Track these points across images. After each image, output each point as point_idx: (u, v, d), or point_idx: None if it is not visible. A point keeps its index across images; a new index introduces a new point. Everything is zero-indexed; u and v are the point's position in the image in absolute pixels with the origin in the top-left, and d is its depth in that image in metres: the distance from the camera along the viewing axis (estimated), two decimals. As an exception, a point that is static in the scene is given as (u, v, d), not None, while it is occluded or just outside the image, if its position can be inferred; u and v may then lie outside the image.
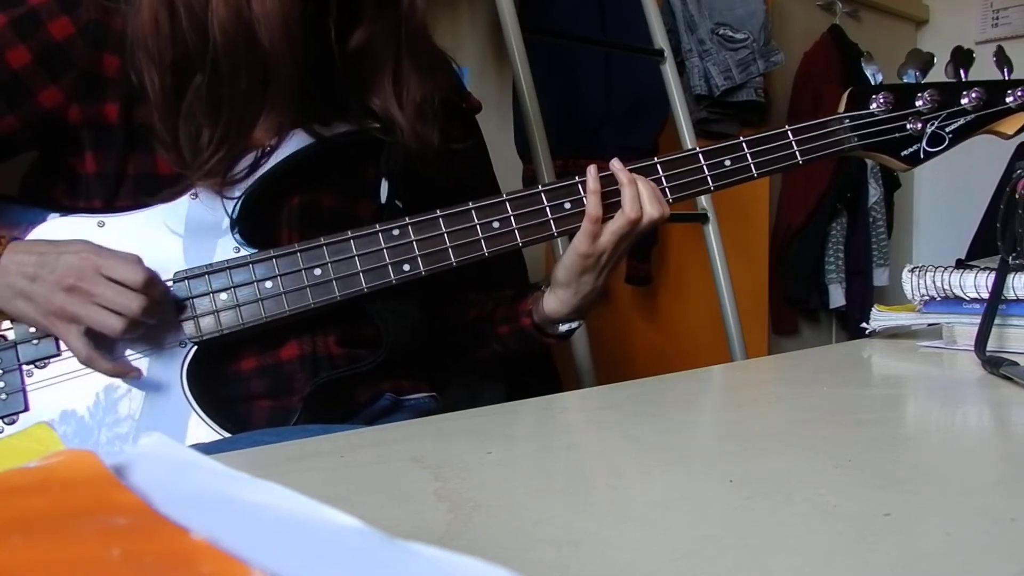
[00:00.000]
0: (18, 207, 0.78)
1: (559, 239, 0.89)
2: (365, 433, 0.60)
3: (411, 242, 0.80)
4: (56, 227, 0.76)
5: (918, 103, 0.91)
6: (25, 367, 0.75)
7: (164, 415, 0.75)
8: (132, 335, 0.73)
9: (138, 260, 0.72)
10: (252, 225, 0.78)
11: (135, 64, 0.74)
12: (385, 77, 0.81)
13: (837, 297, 2.78)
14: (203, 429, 0.74)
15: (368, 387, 0.83)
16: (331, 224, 0.81)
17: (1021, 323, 0.83)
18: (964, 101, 0.91)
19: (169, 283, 0.76)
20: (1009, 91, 0.92)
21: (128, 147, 0.77)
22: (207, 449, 0.60)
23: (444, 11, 1.83)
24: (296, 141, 0.79)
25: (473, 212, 0.82)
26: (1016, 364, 0.70)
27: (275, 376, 0.79)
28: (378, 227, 0.80)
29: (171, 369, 0.76)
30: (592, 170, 0.84)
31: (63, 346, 0.74)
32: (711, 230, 1.82)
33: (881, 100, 0.91)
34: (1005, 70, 0.93)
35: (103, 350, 0.73)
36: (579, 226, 0.84)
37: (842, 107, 0.92)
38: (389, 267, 0.80)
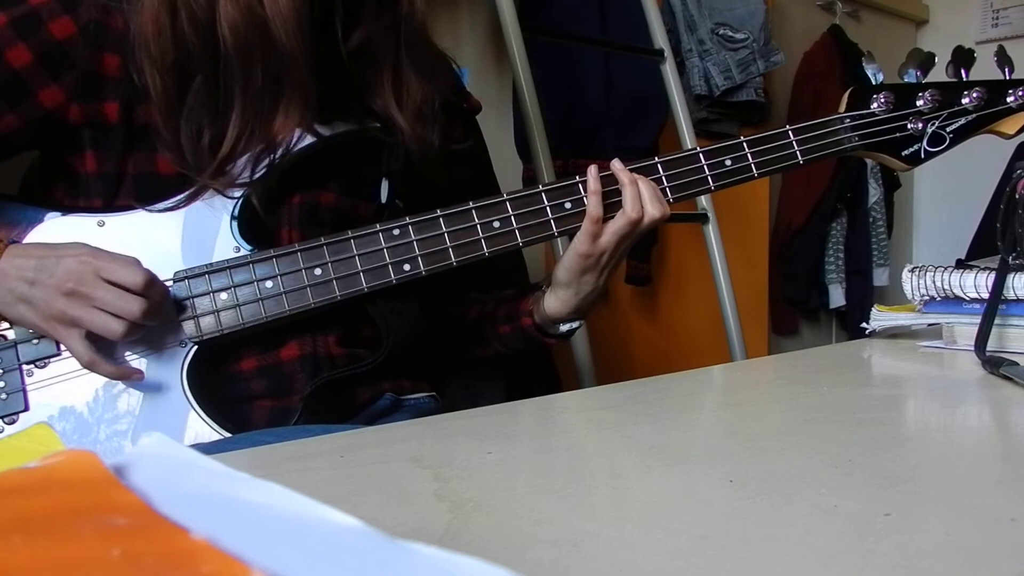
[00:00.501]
0: (18, 207, 0.78)
1: (559, 239, 0.89)
2: (365, 433, 0.60)
3: (411, 242, 0.80)
4: (56, 227, 0.76)
5: (919, 103, 0.91)
6: (25, 367, 0.75)
7: (164, 415, 0.75)
8: (133, 338, 0.73)
9: (137, 262, 0.72)
10: (252, 224, 0.78)
11: (136, 64, 0.74)
12: (385, 78, 0.81)
13: (837, 297, 2.78)
14: (203, 429, 0.74)
15: (368, 387, 0.83)
16: (331, 223, 0.81)
17: (1021, 323, 0.83)
18: (965, 101, 0.91)
19: (169, 283, 0.76)
20: (1010, 91, 0.92)
21: (128, 146, 0.77)
22: (207, 449, 0.61)
23: (444, 11, 1.83)
24: (297, 140, 0.79)
25: (473, 212, 0.82)
26: (1016, 364, 0.70)
27: (275, 376, 0.79)
28: (378, 227, 0.80)
29: (171, 369, 0.76)
30: (593, 170, 0.84)
31: (63, 346, 0.74)
32: (711, 230, 1.83)
33: (882, 100, 0.91)
34: (1006, 70, 0.93)
35: (104, 353, 0.73)
36: (579, 226, 0.84)
37: (843, 107, 0.92)
38: (389, 267, 0.80)
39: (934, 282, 0.89)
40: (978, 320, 0.80)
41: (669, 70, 1.85)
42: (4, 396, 0.74)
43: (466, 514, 0.37)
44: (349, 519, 0.20)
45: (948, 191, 3.24)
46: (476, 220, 0.82)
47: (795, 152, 0.90)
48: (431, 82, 0.83)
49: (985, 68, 0.94)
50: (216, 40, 0.72)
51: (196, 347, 0.76)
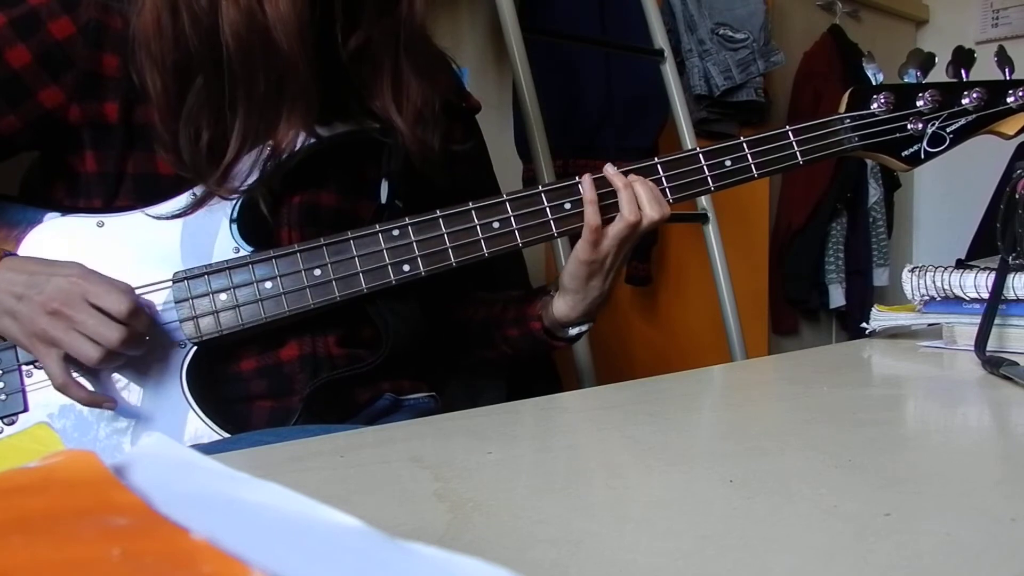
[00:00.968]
0: (18, 207, 0.78)
1: (559, 239, 0.89)
2: (365, 433, 0.60)
3: (411, 243, 0.80)
4: (56, 227, 0.76)
5: (919, 103, 0.91)
6: (24, 367, 0.75)
7: (163, 415, 0.75)
8: (109, 365, 0.73)
9: (128, 290, 0.72)
10: (252, 225, 0.78)
11: (136, 65, 0.73)
12: (384, 81, 0.81)
13: (837, 297, 2.78)
14: (202, 429, 0.74)
15: (368, 387, 0.83)
16: (331, 224, 0.81)
17: (1021, 323, 0.83)
18: (965, 101, 0.91)
19: (168, 283, 0.76)
20: (1010, 91, 0.92)
21: (128, 147, 0.77)
22: (207, 449, 0.60)
23: (444, 11, 1.83)
24: (296, 141, 0.78)
25: (473, 212, 0.82)
26: (1016, 364, 0.70)
27: (275, 376, 0.79)
28: (378, 227, 0.80)
29: (171, 369, 0.76)
30: (587, 179, 0.84)
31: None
32: (711, 230, 1.83)
33: (882, 100, 0.91)
34: (1006, 70, 0.93)
35: (87, 373, 0.73)
36: (579, 226, 0.84)
37: (843, 107, 0.92)
38: (389, 267, 0.80)
39: (934, 282, 0.89)
40: (978, 320, 0.80)
41: (669, 70, 1.85)
42: (4, 397, 0.74)
43: (466, 514, 0.37)
44: (349, 519, 0.20)
45: (948, 191, 3.24)
46: (476, 221, 0.82)
47: (795, 152, 0.90)
48: (431, 84, 0.83)
49: (985, 68, 0.94)
50: (218, 43, 0.72)
51: (195, 348, 0.76)
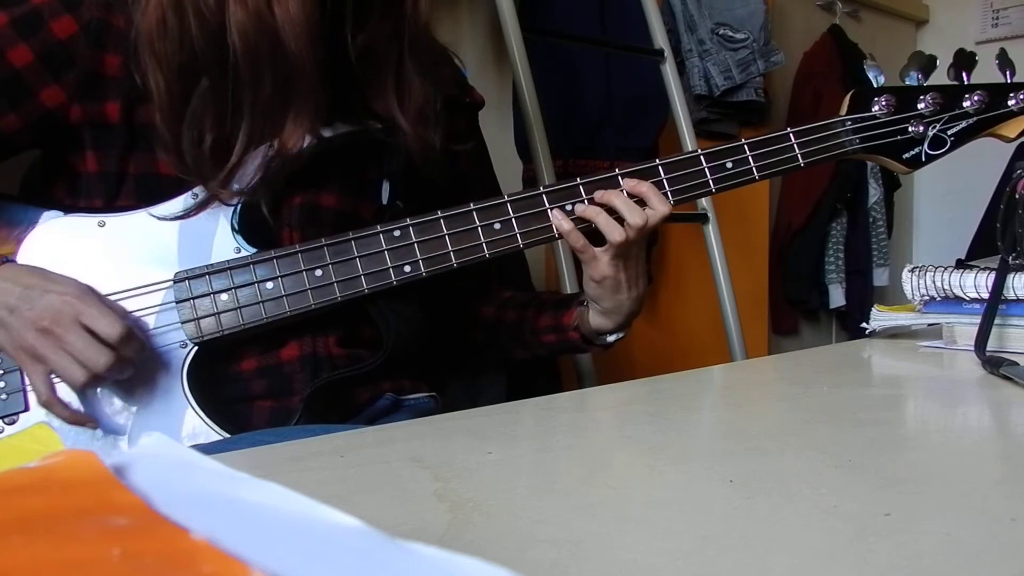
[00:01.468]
0: (19, 206, 0.78)
1: (560, 241, 0.89)
2: (365, 433, 0.60)
3: (412, 243, 0.80)
4: (56, 226, 0.76)
5: (920, 106, 0.91)
6: (25, 367, 0.75)
7: (164, 415, 0.75)
8: (94, 388, 0.73)
9: (122, 314, 0.72)
10: (253, 225, 0.78)
11: (140, 65, 0.73)
12: (388, 80, 0.81)
13: (837, 297, 2.78)
14: (203, 429, 0.74)
15: (368, 387, 0.83)
16: (332, 224, 0.81)
17: (1021, 323, 0.83)
18: (966, 104, 0.91)
19: (169, 283, 0.76)
20: (1011, 94, 0.92)
21: (129, 147, 0.77)
22: (207, 449, 0.60)
23: (444, 11, 1.83)
24: (301, 142, 0.78)
25: (474, 213, 0.82)
26: (1016, 364, 0.70)
27: (275, 376, 0.79)
28: (379, 228, 0.80)
29: (171, 370, 0.76)
30: (556, 213, 0.83)
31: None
32: (711, 230, 1.82)
33: (883, 102, 0.91)
34: (1007, 73, 0.92)
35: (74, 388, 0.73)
36: (581, 227, 0.84)
37: (844, 109, 0.92)
38: (390, 268, 0.80)
39: (934, 282, 0.89)
40: (978, 320, 0.80)
41: (669, 70, 1.85)
42: (4, 396, 0.74)
43: (466, 514, 0.37)
44: (349, 519, 0.20)
45: (948, 191, 3.24)
46: (477, 222, 0.82)
47: (796, 155, 0.90)
48: (433, 84, 0.83)
49: (985, 68, 0.94)
50: (224, 44, 0.71)
51: (196, 348, 0.76)
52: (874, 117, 0.91)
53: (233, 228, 0.77)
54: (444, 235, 0.81)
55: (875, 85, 0.92)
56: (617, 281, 0.85)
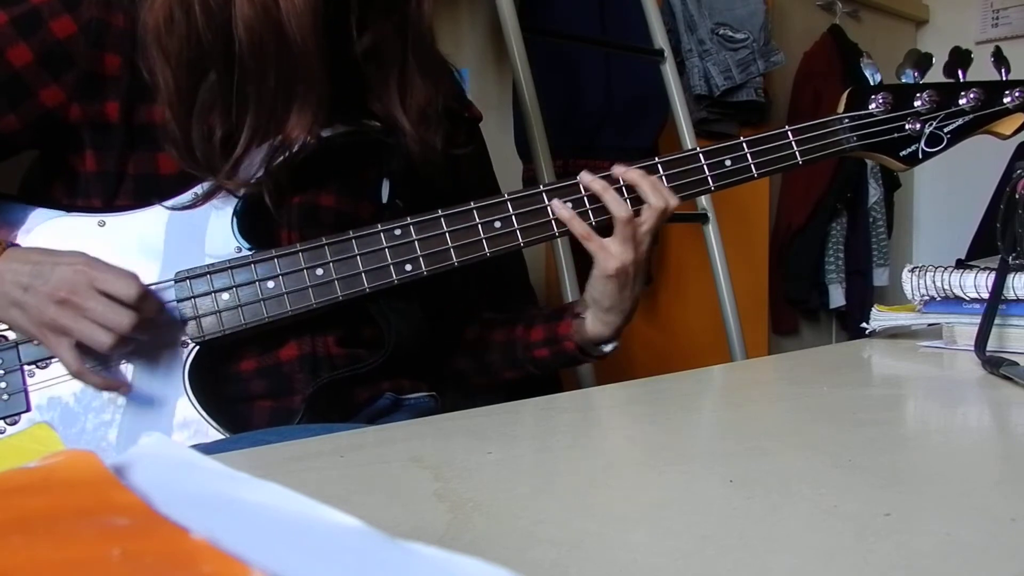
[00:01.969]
0: (19, 206, 0.78)
1: (560, 239, 0.89)
2: (365, 433, 0.60)
3: (413, 242, 0.80)
4: (57, 226, 0.76)
5: (917, 103, 0.91)
6: (27, 367, 0.75)
7: (165, 414, 0.75)
8: (122, 350, 0.73)
9: (133, 276, 0.72)
10: (253, 224, 0.78)
11: (147, 61, 0.73)
12: (391, 80, 0.81)
13: (837, 297, 2.78)
14: (203, 428, 0.74)
15: (368, 387, 0.83)
16: (332, 224, 0.81)
17: (1021, 323, 0.83)
18: (962, 102, 0.91)
19: (171, 283, 0.76)
20: (1007, 92, 0.92)
21: (129, 146, 0.77)
22: (207, 449, 0.61)
23: (444, 11, 1.83)
24: (305, 138, 0.78)
25: (475, 212, 0.82)
26: (1016, 364, 0.70)
27: (275, 376, 0.79)
28: (380, 227, 0.80)
29: (173, 369, 0.76)
30: (556, 203, 0.83)
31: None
32: (711, 230, 1.83)
33: (880, 100, 0.91)
34: (1003, 71, 0.93)
35: (97, 361, 0.73)
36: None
37: (841, 107, 0.93)
38: (391, 267, 0.80)
39: (934, 282, 0.89)
40: (978, 320, 0.80)
41: (669, 70, 1.85)
42: (6, 397, 0.74)
43: (466, 514, 0.37)
44: (349, 519, 0.20)
45: (948, 191, 3.24)
46: (477, 220, 0.82)
47: (794, 152, 0.90)
48: (435, 85, 0.83)
49: (985, 68, 0.94)
50: (230, 37, 0.72)
51: (197, 347, 0.76)
52: (871, 115, 0.91)
53: (234, 227, 0.77)
54: (445, 233, 0.81)
55: (872, 83, 0.93)
56: (627, 274, 0.85)
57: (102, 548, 0.19)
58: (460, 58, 1.00)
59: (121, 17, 0.75)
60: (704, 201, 1.80)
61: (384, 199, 0.86)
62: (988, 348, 0.77)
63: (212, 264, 0.77)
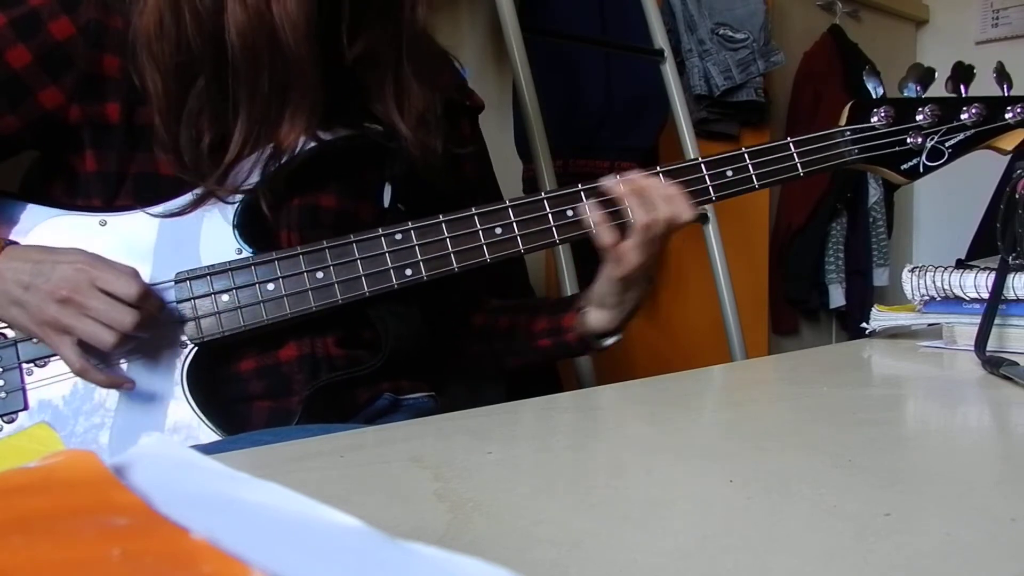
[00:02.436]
0: (19, 205, 0.78)
1: (561, 246, 0.89)
2: (365, 433, 0.60)
3: (413, 246, 0.80)
4: (57, 225, 0.76)
5: (918, 117, 0.91)
6: (25, 365, 0.75)
7: (163, 415, 0.75)
8: (124, 348, 0.73)
9: (134, 273, 0.72)
10: (253, 227, 0.78)
11: (137, 65, 0.73)
12: (387, 85, 0.81)
13: (837, 297, 2.78)
14: (202, 429, 0.74)
15: (367, 387, 0.83)
16: (332, 227, 0.81)
17: (1021, 323, 0.83)
18: (964, 116, 0.91)
19: (171, 284, 0.76)
20: (1008, 107, 0.92)
21: (129, 147, 0.77)
22: (207, 449, 0.60)
23: (444, 11, 1.83)
24: (298, 143, 0.78)
25: (476, 218, 0.82)
26: (1016, 364, 0.70)
27: (274, 377, 0.79)
28: (380, 231, 0.80)
29: (171, 370, 0.76)
30: (591, 204, 0.82)
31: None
32: (711, 230, 1.83)
33: (882, 114, 0.91)
34: (1005, 86, 0.93)
35: (98, 359, 0.73)
36: (582, 233, 0.83)
37: (843, 120, 0.93)
38: (391, 271, 0.80)
39: (934, 282, 0.89)
40: (978, 320, 0.80)
41: (669, 70, 1.85)
42: (3, 395, 0.74)
43: (466, 514, 0.37)
44: (349, 519, 0.20)
45: (948, 191, 3.24)
46: (478, 226, 0.82)
47: (796, 164, 0.90)
48: (432, 88, 0.83)
49: (985, 68, 0.94)
50: (222, 43, 0.72)
51: (196, 348, 0.76)
52: (873, 128, 0.92)
53: (234, 229, 0.77)
54: (445, 238, 0.81)
55: (874, 96, 0.93)
56: (637, 276, 0.85)
57: (102, 548, 0.19)
58: (460, 58, 1.00)
59: (119, 19, 0.75)
60: (704, 201, 1.80)
61: (386, 203, 0.86)
62: (988, 348, 0.77)
63: (212, 266, 0.77)
